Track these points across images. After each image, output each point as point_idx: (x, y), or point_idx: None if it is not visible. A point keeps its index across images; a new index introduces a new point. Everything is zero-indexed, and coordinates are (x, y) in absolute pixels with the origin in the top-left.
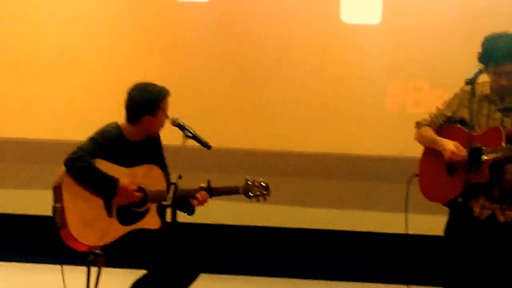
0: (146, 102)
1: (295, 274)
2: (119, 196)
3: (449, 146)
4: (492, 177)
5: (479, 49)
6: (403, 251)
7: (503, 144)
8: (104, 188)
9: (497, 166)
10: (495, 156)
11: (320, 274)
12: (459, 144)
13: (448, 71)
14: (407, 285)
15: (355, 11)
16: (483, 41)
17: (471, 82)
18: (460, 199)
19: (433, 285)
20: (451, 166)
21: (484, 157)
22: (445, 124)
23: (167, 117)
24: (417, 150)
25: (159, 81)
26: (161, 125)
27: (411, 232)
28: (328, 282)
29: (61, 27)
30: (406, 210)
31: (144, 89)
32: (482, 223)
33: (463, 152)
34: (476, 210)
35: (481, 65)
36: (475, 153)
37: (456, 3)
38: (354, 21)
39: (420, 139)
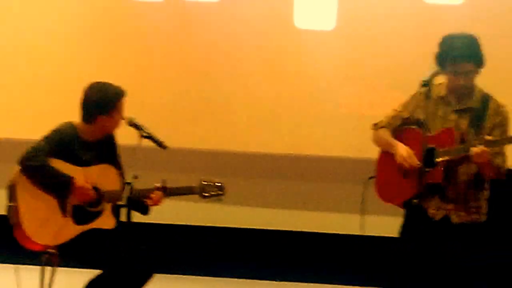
0: (101, 102)
1: (250, 275)
2: (73, 195)
3: (401, 151)
4: (446, 178)
5: (435, 51)
6: (359, 252)
7: (456, 145)
8: (58, 187)
9: (450, 167)
10: (447, 157)
11: (276, 274)
12: (411, 151)
13: (403, 73)
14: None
15: (309, 17)
16: (440, 41)
17: (427, 83)
18: (415, 201)
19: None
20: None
21: (438, 158)
22: (402, 125)
23: (122, 117)
24: (374, 152)
25: (114, 80)
26: (117, 125)
27: (367, 233)
28: (284, 283)
29: (17, 23)
30: (362, 212)
31: (100, 89)
32: (436, 224)
33: (414, 159)
34: (431, 211)
35: (437, 67)
36: (429, 154)
37: (410, 7)
38: (308, 26)
39: (377, 140)
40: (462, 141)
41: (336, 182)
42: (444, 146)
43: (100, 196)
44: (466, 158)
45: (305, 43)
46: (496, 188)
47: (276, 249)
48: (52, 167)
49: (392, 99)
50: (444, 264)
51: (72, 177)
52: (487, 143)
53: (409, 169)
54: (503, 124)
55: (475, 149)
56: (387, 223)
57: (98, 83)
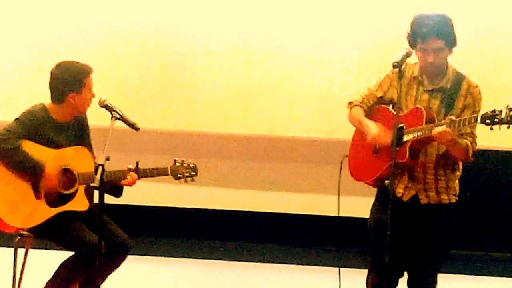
0: (70, 79)
1: (226, 256)
2: (45, 180)
3: (372, 129)
4: (413, 158)
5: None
6: (336, 233)
7: (424, 125)
8: (29, 172)
9: (417, 147)
10: (413, 136)
11: (252, 255)
12: (382, 129)
13: (376, 55)
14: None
15: None
16: (412, 21)
17: (399, 65)
18: (386, 181)
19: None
20: (377, 146)
21: (405, 137)
22: (376, 104)
23: (92, 94)
24: (350, 133)
25: (87, 62)
26: (87, 104)
27: (342, 214)
28: (260, 264)
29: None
30: (338, 192)
31: (67, 67)
32: (405, 204)
33: (385, 133)
34: (399, 190)
35: (409, 48)
36: (398, 133)
37: None
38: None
39: (351, 119)
40: (429, 121)
41: (311, 163)
42: (413, 126)
43: (73, 178)
44: (431, 138)
45: (277, 24)
46: (469, 169)
47: (250, 230)
48: (24, 151)
49: (366, 81)
50: (412, 245)
51: (43, 164)
52: (450, 123)
53: (379, 147)
54: (474, 105)
55: (438, 129)
56: (363, 204)
57: (64, 62)
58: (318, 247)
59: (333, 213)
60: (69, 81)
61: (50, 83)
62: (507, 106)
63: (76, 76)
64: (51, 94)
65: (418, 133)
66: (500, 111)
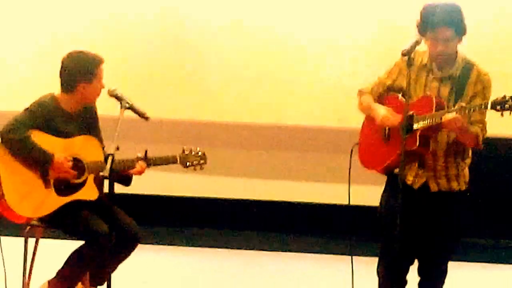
0: (81, 69)
1: (235, 245)
2: (53, 170)
3: (381, 111)
4: (423, 145)
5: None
6: (347, 222)
7: (433, 112)
8: (38, 162)
9: (428, 134)
10: (423, 123)
11: (264, 244)
12: (391, 110)
13: (386, 44)
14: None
15: None
16: (421, 10)
17: (408, 53)
18: (396, 170)
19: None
20: (387, 133)
21: (415, 125)
22: (385, 92)
23: (102, 85)
24: (360, 121)
25: (96, 49)
26: (97, 93)
27: (353, 203)
28: (272, 252)
29: None
30: (349, 181)
31: (78, 57)
32: (415, 192)
33: (394, 116)
34: (410, 178)
35: (418, 36)
36: (408, 121)
37: None
38: None
39: (360, 107)
40: (439, 108)
41: (320, 152)
42: (423, 113)
43: (82, 168)
44: (441, 126)
45: (287, 13)
46: (479, 156)
47: (260, 219)
48: (33, 142)
49: (375, 69)
50: (422, 233)
51: (52, 154)
52: (460, 110)
53: (391, 127)
54: (483, 92)
55: (447, 116)
56: (375, 192)
57: (75, 51)
58: (331, 236)
59: (344, 201)
60: (80, 70)
61: (60, 72)
62: None
63: (87, 66)
64: (61, 84)
65: (428, 121)
66: (511, 97)
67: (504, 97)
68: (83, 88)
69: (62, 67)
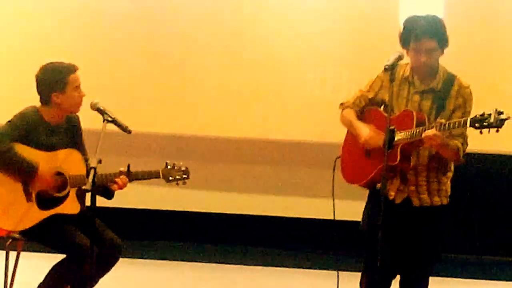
0: (51, 79)
1: (220, 260)
2: (37, 182)
3: (364, 130)
4: (404, 160)
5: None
6: (332, 237)
7: (413, 128)
8: (22, 173)
9: (409, 149)
10: (404, 138)
11: (248, 259)
12: (373, 128)
13: (368, 58)
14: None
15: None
16: (404, 21)
17: (391, 68)
18: (378, 185)
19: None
20: (368, 148)
21: (396, 140)
22: (367, 105)
23: (80, 93)
24: (342, 136)
25: (79, 65)
26: (75, 102)
27: (338, 218)
28: (256, 267)
29: None
30: (333, 195)
31: (49, 68)
32: (397, 206)
33: (378, 135)
34: (391, 193)
35: (401, 46)
36: (390, 135)
37: None
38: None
39: (342, 119)
40: (420, 123)
41: (303, 166)
42: (404, 128)
43: (64, 181)
44: (422, 141)
45: (270, 27)
46: (461, 171)
47: (243, 233)
48: (16, 153)
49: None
50: (404, 247)
51: (37, 165)
52: (439, 127)
53: (371, 150)
54: (465, 106)
55: (427, 132)
56: (359, 207)
57: (47, 63)
58: (316, 251)
59: (328, 216)
60: (50, 81)
61: (36, 86)
62: (496, 109)
63: (57, 75)
64: (39, 97)
65: (408, 136)
66: (489, 115)
67: (483, 114)
68: (57, 98)
69: (36, 80)
